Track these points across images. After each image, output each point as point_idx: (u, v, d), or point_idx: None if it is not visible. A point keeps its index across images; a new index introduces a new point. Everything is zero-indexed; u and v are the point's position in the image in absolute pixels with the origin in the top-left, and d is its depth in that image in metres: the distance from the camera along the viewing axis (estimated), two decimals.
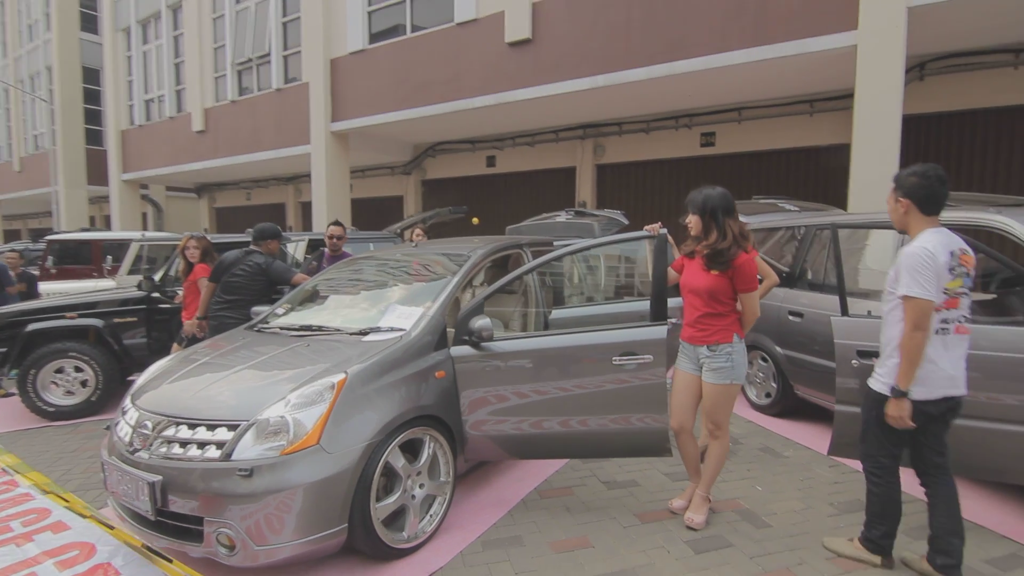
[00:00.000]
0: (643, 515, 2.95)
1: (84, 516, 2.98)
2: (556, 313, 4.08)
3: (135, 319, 5.16)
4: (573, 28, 8.14)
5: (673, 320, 3.00)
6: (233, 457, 2.27)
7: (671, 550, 2.61)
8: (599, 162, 10.88)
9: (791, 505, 3.05)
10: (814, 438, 4.01)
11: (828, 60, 6.79)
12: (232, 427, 2.34)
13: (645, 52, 7.53)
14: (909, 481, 2.45)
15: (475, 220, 5.42)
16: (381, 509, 2.47)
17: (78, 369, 4.82)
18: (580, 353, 2.86)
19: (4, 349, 4.66)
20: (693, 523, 2.78)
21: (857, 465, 3.15)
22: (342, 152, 11.26)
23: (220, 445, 2.31)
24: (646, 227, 2.98)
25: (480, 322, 2.85)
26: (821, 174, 8.77)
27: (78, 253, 9.74)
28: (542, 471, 3.52)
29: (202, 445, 2.34)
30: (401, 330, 2.92)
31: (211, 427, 2.37)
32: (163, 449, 2.39)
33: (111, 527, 2.83)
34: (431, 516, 2.73)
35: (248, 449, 2.29)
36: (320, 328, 3.19)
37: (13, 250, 8.02)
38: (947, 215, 3.18)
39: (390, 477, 2.57)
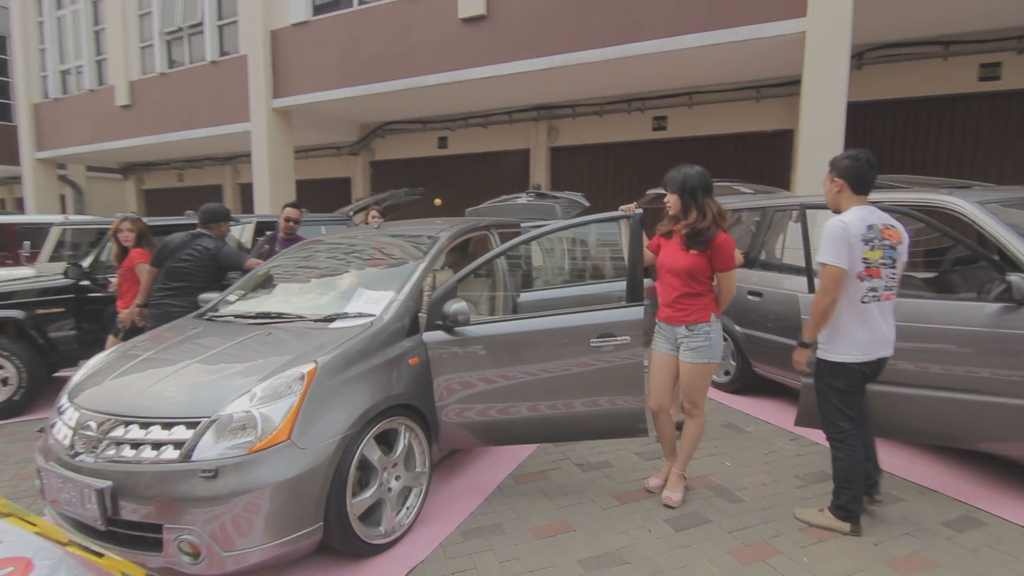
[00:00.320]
0: (621, 496, 2.95)
1: (20, 526, 2.68)
2: (524, 296, 4.01)
3: (61, 309, 4.71)
4: (528, 6, 7.99)
5: (647, 302, 2.99)
6: (194, 457, 2.08)
7: (652, 529, 2.62)
8: (553, 144, 10.82)
9: (759, 479, 3.14)
10: (773, 413, 4.15)
11: (777, 47, 6.96)
12: (191, 425, 2.15)
13: (601, 33, 7.48)
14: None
15: (437, 201, 5.24)
16: (357, 504, 2.35)
17: None
18: (558, 336, 2.81)
19: None
20: (671, 501, 2.81)
21: (816, 436, 3.28)
22: (285, 130, 10.69)
23: (178, 445, 2.12)
24: (621, 207, 2.94)
25: (455, 306, 2.74)
26: (766, 158, 9.06)
27: None
28: (515, 456, 3.47)
29: (157, 446, 2.14)
30: (371, 315, 2.77)
31: (167, 425, 2.17)
32: (112, 452, 2.17)
33: (61, 539, 2.56)
34: (408, 509, 2.63)
35: (210, 448, 2.10)
36: (280, 315, 2.98)
37: None
38: (903, 196, 3.33)
39: (364, 470, 2.45)
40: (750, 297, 4.33)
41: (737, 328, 4.47)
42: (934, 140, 7.98)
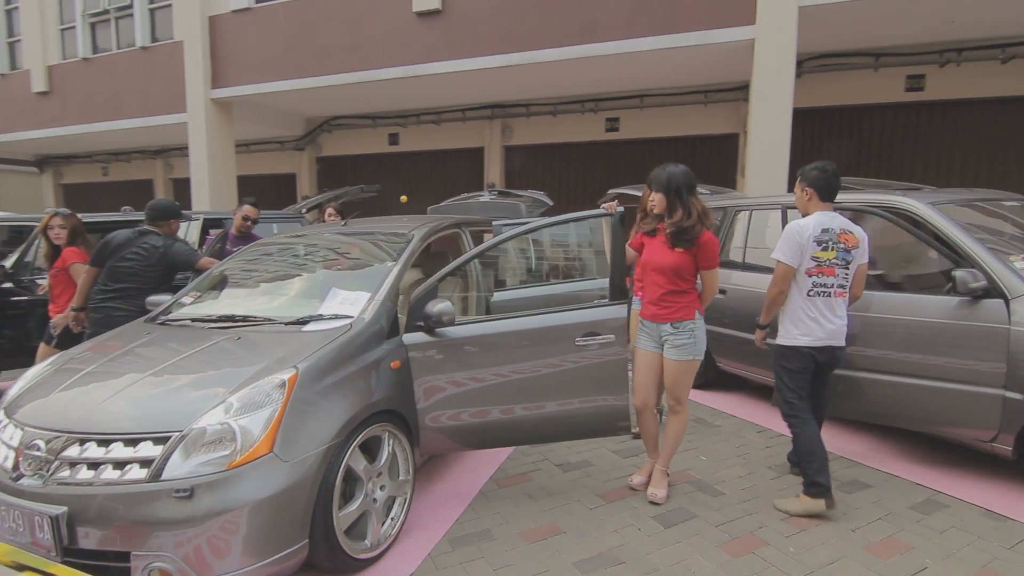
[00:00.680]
0: (605, 495, 2.94)
1: None
2: (498, 296, 3.94)
3: None
4: (484, 2, 7.90)
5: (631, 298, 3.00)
6: (164, 476, 1.89)
7: (641, 527, 2.62)
8: (507, 143, 10.79)
9: (735, 472, 3.21)
10: (738, 407, 4.28)
11: (726, 53, 7.20)
12: (160, 440, 1.95)
13: (559, 32, 7.51)
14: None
15: (404, 198, 5.07)
16: (344, 518, 2.21)
17: None
18: (543, 335, 2.77)
19: None
20: (657, 498, 2.82)
21: (781, 428, 3.39)
22: (225, 123, 10.11)
23: (146, 463, 1.92)
24: (603, 205, 2.94)
25: (440, 306, 2.64)
26: (714, 160, 9.39)
27: None
28: (494, 459, 3.40)
29: (120, 464, 1.93)
30: (348, 317, 2.62)
31: (131, 442, 1.96)
32: (65, 473, 1.94)
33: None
34: (392, 519, 2.50)
35: (181, 465, 1.92)
36: (246, 318, 2.78)
37: None
38: (861, 196, 3.49)
39: (348, 481, 2.31)
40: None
41: None
42: (866, 145, 8.51)
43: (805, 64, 8.32)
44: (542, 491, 3.01)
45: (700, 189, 6.05)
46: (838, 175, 2.80)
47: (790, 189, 6.49)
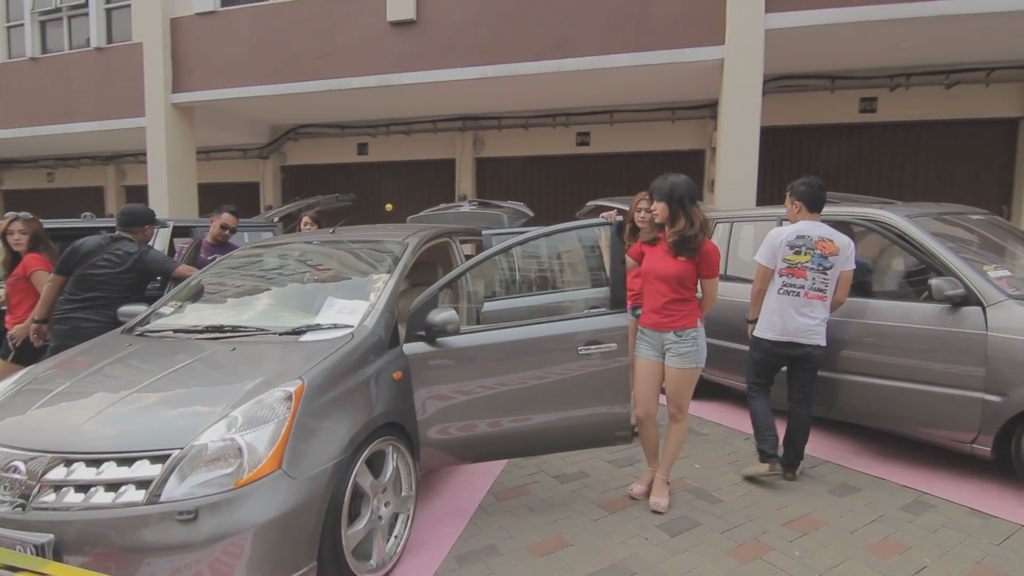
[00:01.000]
0: (607, 505, 2.92)
1: None
2: (488, 306, 3.89)
3: None
4: (460, 14, 7.91)
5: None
6: (164, 498, 1.76)
7: (648, 537, 2.61)
8: (479, 155, 10.79)
9: (730, 479, 3.24)
10: (723, 415, 4.34)
11: (695, 72, 7.43)
12: (158, 459, 1.82)
13: (534, 47, 7.58)
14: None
15: (389, 207, 4.96)
16: (351, 537, 2.11)
17: None
18: (547, 344, 2.74)
19: None
20: (659, 507, 2.81)
21: None
22: (186, 129, 9.73)
23: (143, 484, 1.78)
24: (602, 214, 2.95)
25: (443, 315, 2.58)
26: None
27: None
28: (488, 472, 3.33)
29: (114, 486, 1.78)
30: (347, 326, 2.53)
31: (125, 461, 1.82)
32: (50, 497, 1.78)
33: None
34: (396, 537, 2.41)
35: (181, 486, 1.79)
36: (235, 329, 2.65)
37: None
38: (843, 210, 3.63)
39: (353, 499, 2.20)
40: None
41: None
42: (824, 163, 8.91)
43: (767, 85, 8.66)
44: (543, 504, 2.96)
45: None
46: (824, 189, 3.10)
47: (759, 203, 6.78)
